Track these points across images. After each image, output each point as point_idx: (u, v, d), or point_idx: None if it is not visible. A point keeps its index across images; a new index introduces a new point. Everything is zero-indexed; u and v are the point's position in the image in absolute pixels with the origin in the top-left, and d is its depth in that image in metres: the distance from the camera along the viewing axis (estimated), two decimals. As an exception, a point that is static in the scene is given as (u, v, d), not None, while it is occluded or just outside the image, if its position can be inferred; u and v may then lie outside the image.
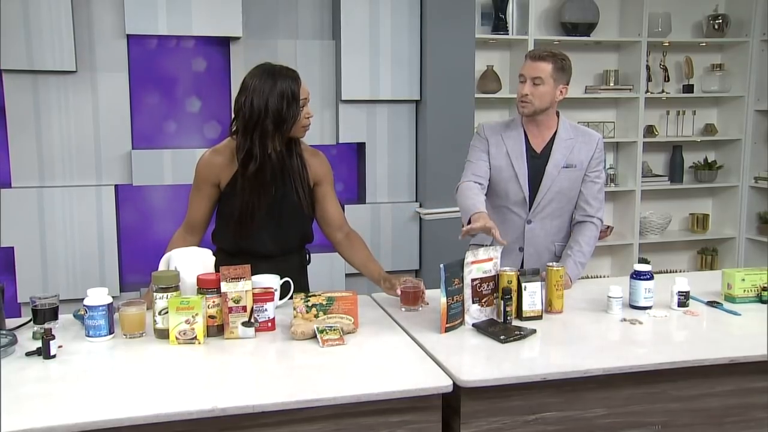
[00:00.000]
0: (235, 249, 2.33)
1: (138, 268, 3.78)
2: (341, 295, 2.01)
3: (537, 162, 2.54)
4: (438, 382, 1.65)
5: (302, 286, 2.45)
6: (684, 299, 2.20)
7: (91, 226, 3.56)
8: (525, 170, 2.53)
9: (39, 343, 1.81)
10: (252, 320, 1.95)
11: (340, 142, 3.91)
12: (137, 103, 3.69)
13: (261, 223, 2.30)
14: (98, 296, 1.92)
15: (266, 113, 2.17)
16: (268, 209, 2.30)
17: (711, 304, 2.26)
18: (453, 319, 1.99)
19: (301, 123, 2.26)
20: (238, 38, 3.66)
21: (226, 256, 2.30)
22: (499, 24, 4.26)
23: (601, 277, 4.63)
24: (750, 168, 4.75)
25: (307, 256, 2.54)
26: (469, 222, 2.25)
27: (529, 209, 2.55)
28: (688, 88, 4.74)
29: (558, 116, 2.57)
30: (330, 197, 2.43)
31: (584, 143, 2.54)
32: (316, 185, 2.40)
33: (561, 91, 2.48)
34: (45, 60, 3.40)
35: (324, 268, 3.70)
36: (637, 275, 2.20)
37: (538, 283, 2.11)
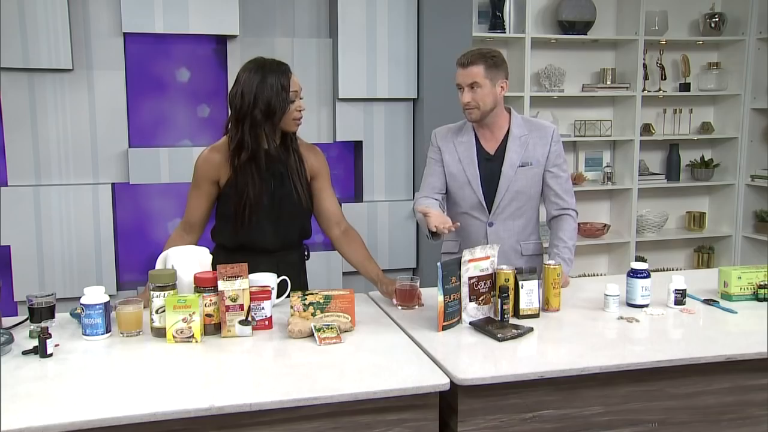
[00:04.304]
0: (235, 245, 2.34)
1: (135, 266, 3.78)
2: (338, 293, 2.01)
3: (492, 164, 2.50)
4: (435, 380, 1.65)
5: (302, 282, 2.46)
6: (681, 297, 2.20)
7: (88, 224, 3.55)
8: (477, 174, 2.50)
9: (36, 342, 1.81)
10: (249, 318, 1.95)
11: (337, 140, 3.90)
12: (134, 101, 3.68)
13: (261, 218, 2.30)
14: (95, 295, 1.92)
15: (255, 104, 2.21)
16: (267, 205, 2.30)
17: (707, 302, 2.26)
18: (450, 317, 1.99)
19: (292, 116, 2.27)
20: (234, 36, 3.66)
21: (227, 253, 2.31)
22: (496, 22, 4.26)
23: (597, 275, 4.64)
24: (746, 166, 4.75)
25: (306, 252, 2.54)
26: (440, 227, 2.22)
27: (489, 212, 2.53)
28: (685, 87, 4.74)
29: (510, 113, 2.53)
30: (327, 192, 2.44)
31: (539, 138, 2.50)
32: (313, 179, 2.41)
33: (502, 87, 2.44)
34: (41, 58, 3.39)
35: (321, 266, 3.70)
36: (633, 273, 2.21)
37: (535, 282, 2.11)
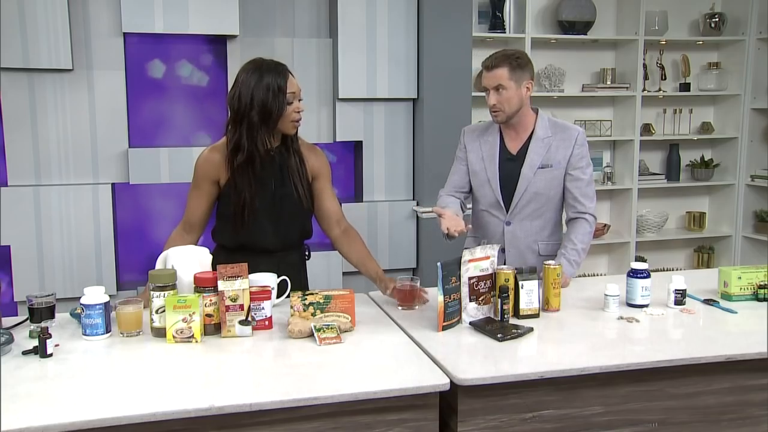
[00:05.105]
0: (235, 245, 2.34)
1: (135, 266, 3.78)
2: (338, 293, 2.01)
3: (512, 164, 2.52)
4: (435, 380, 1.65)
5: (302, 282, 2.47)
6: (681, 297, 2.20)
7: (88, 224, 3.55)
8: (496, 173, 2.52)
9: (36, 342, 1.80)
10: (249, 319, 1.95)
11: (337, 140, 3.90)
12: (134, 101, 3.68)
13: (261, 218, 2.30)
14: (95, 295, 1.91)
15: (252, 105, 2.20)
16: (268, 205, 2.30)
17: (707, 302, 2.26)
18: (450, 317, 1.99)
19: (289, 117, 2.26)
20: (234, 36, 3.66)
21: (227, 253, 2.31)
22: (496, 22, 4.26)
23: (597, 275, 4.64)
24: (746, 166, 4.76)
25: (307, 251, 2.54)
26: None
27: (507, 211, 2.54)
28: (685, 87, 4.74)
29: (537, 113, 2.54)
30: (328, 192, 2.44)
31: (562, 140, 2.50)
32: (314, 180, 2.41)
33: (527, 88, 2.45)
34: (41, 58, 3.39)
35: (321, 266, 3.70)
36: (633, 273, 2.21)
37: (535, 282, 2.11)
